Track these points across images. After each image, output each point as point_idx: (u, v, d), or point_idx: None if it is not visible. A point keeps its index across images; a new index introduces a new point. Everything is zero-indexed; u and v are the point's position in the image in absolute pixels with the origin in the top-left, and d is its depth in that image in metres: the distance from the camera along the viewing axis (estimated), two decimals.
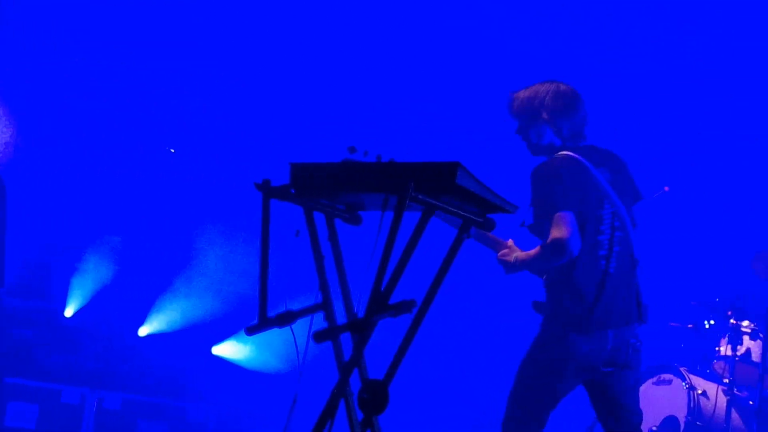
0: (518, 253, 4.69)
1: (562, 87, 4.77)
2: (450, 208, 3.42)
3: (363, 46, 10.02)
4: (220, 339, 9.81)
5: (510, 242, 4.79)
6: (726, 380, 7.31)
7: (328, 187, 3.54)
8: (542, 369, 4.53)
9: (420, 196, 3.29)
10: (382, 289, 3.30)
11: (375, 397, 3.30)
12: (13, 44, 9.59)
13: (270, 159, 9.12)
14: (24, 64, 9.61)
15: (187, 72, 10.08)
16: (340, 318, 3.60)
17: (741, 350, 7.57)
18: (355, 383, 3.47)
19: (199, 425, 9.09)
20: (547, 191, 4.48)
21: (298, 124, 9.99)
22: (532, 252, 4.58)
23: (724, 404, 7.25)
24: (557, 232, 4.38)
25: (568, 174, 4.51)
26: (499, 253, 4.77)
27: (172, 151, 9.96)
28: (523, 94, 4.79)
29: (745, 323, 7.65)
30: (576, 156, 4.61)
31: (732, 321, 7.58)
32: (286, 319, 3.61)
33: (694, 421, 7.37)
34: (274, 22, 9.94)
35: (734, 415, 7.29)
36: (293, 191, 3.58)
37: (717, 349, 7.81)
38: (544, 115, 4.70)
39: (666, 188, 7.33)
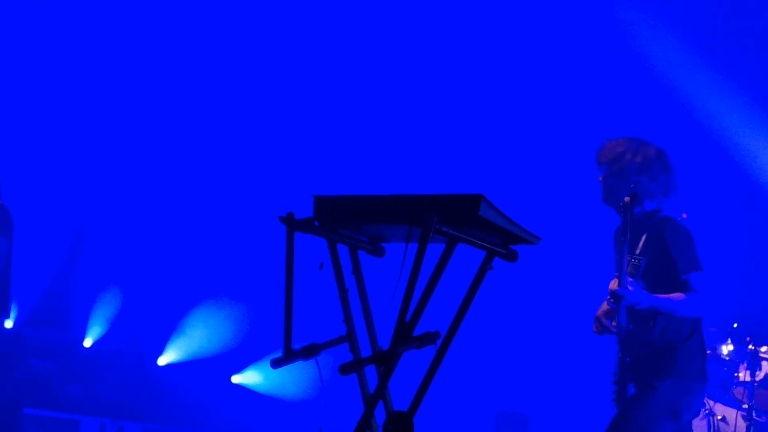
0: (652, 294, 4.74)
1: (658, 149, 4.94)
2: (473, 240, 3.42)
3: (386, 79, 10.00)
4: (240, 368, 9.80)
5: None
6: (745, 406, 7.26)
7: (351, 220, 3.54)
8: (667, 416, 4.71)
9: (444, 228, 3.29)
10: (407, 320, 3.30)
11: (400, 429, 3.28)
12: (41, 76, 9.61)
13: (293, 192, 9.11)
14: (50, 102, 9.61)
15: (213, 106, 10.08)
16: (365, 350, 3.60)
17: (760, 376, 7.54)
18: (380, 415, 3.46)
19: None
20: (688, 249, 4.73)
21: (321, 156, 9.98)
22: (676, 296, 4.69)
23: (744, 430, 7.21)
24: (703, 290, 4.67)
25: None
26: (619, 284, 4.71)
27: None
28: (625, 146, 4.87)
29: (764, 349, 7.62)
30: None
31: (750, 347, 7.54)
32: (310, 352, 3.61)
33: None
34: (294, 56, 9.93)
35: None
36: (317, 224, 3.58)
37: (736, 374, 7.77)
38: (654, 175, 4.85)
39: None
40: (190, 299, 9.88)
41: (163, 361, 9.65)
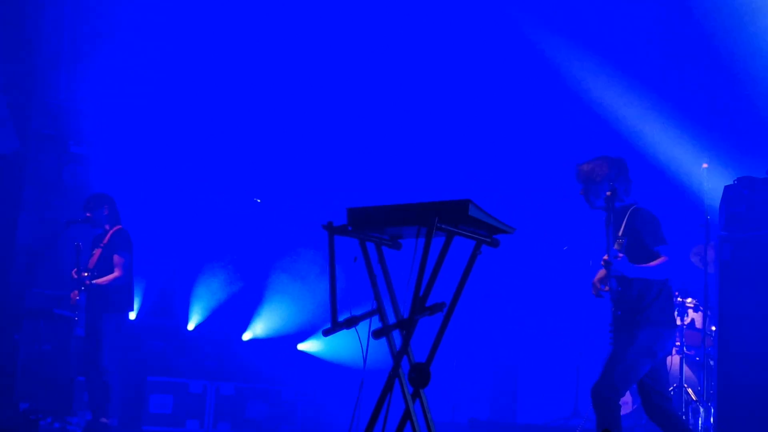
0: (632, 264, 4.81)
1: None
2: (466, 233, 3.44)
3: (394, 102, 9.62)
4: (303, 338, 9.80)
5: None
6: (678, 343, 7.20)
7: (376, 224, 3.56)
8: (645, 356, 4.76)
9: (443, 226, 3.33)
10: (420, 295, 3.31)
11: (421, 376, 3.33)
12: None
13: (331, 205, 9.00)
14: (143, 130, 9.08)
15: (274, 139, 9.69)
16: (391, 318, 3.60)
17: (687, 320, 7.49)
18: (405, 366, 3.46)
19: (291, 403, 9.09)
20: (654, 229, 4.81)
21: (352, 177, 9.85)
22: (654, 264, 4.77)
23: (678, 361, 7.14)
24: (668, 257, 4.76)
25: None
26: (608, 256, 4.80)
27: (258, 200, 9.88)
28: (594, 165, 4.95)
29: (689, 300, 7.57)
30: None
31: (679, 299, 7.49)
32: (351, 323, 3.62)
33: None
34: (317, 82, 9.52)
35: (686, 369, 7.19)
36: (350, 228, 3.60)
37: None
38: (624, 178, 4.94)
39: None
40: (264, 291, 9.86)
41: (246, 336, 9.67)
